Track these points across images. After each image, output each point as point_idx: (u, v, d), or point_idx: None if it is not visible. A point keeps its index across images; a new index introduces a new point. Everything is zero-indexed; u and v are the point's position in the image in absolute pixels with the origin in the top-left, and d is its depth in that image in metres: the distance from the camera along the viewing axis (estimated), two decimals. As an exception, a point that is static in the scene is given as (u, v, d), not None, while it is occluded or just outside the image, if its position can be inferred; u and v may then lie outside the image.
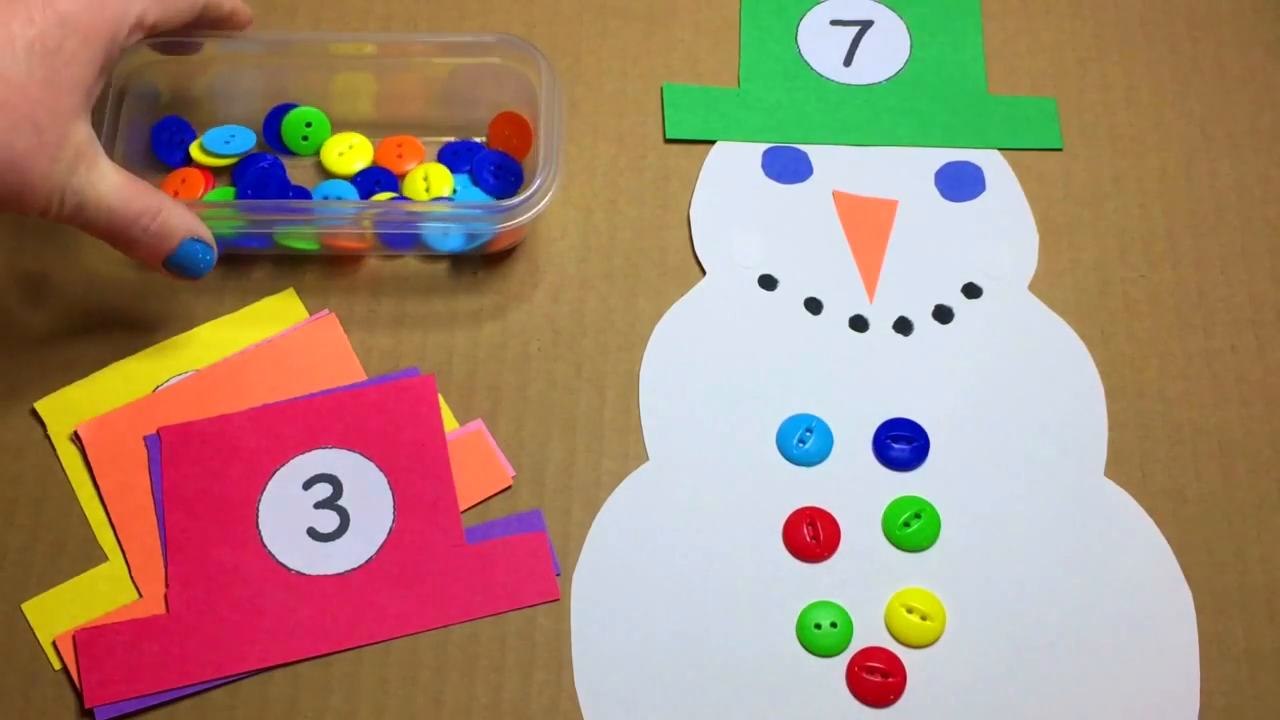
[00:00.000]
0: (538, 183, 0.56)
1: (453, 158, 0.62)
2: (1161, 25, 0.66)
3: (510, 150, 0.61)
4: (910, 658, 0.54)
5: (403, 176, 0.62)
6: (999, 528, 0.56)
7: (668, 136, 0.63)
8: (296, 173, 0.62)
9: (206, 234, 0.55)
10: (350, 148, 0.62)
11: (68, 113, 0.50)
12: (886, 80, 0.65)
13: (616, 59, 0.65)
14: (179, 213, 0.54)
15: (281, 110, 0.62)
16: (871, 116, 0.64)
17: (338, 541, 0.55)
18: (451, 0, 0.66)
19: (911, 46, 0.66)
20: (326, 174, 0.62)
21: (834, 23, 0.66)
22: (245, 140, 0.61)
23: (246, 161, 0.61)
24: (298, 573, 0.54)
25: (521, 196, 0.56)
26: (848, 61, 0.65)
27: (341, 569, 0.55)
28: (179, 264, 0.55)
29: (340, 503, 0.56)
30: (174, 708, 0.52)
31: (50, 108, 0.49)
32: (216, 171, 0.62)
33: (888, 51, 0.65)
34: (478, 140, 0.62)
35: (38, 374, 0.58)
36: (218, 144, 0.61)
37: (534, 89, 0.59)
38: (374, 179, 0.61)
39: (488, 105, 0.62)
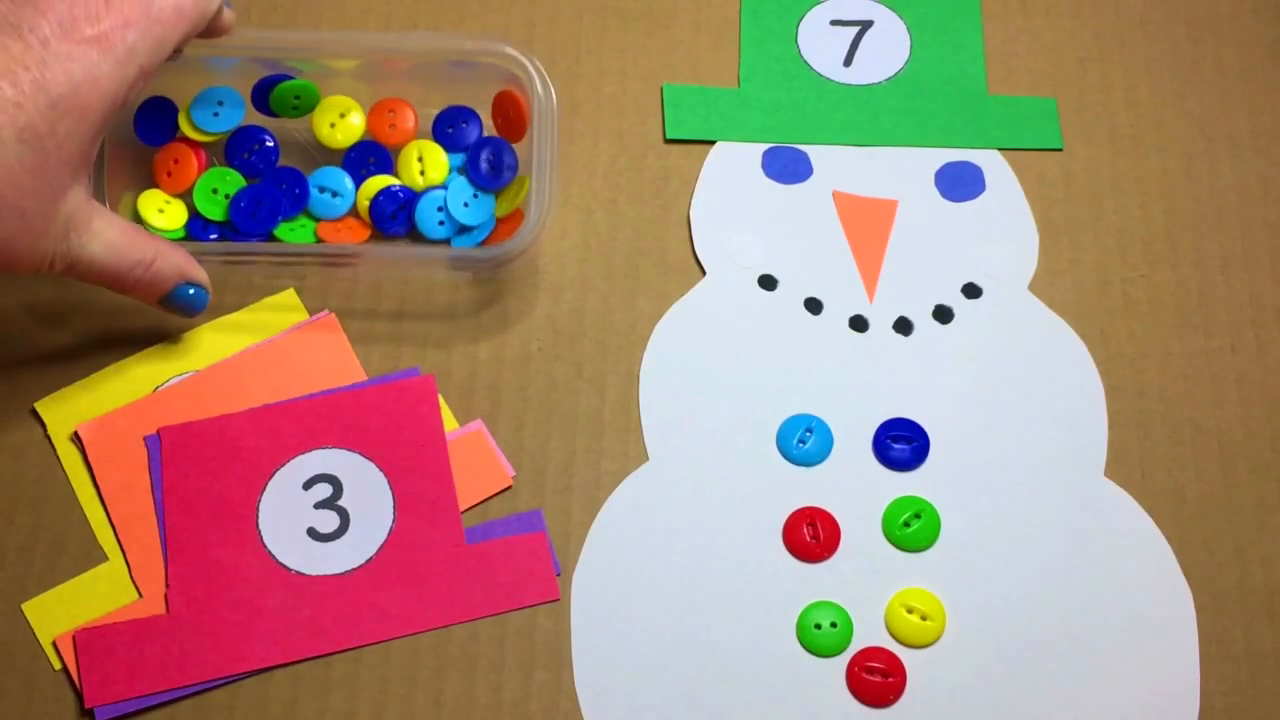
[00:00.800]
0: (528, 228, 0.56)
1: (446, 133, 0.61)
2: (1161, 25, 0.66)
3: (509, 130, 0.61)
4: (910, 658, 0.54)
5: (396, 150, 0.61)
6: (999, 528, 0.56)
7: (668, 137, 0.63)
8: (290, 150, 0.61)
9: (200, 276, 0.56)
10: (341, 117, 0.61)
11: (58, 191, 0.50)
12: (886, 80, 0.65)
13: (616, 59, 0.65)
14: (172, 260, 0.54)
15: (271, 80, 0.61)
16: (871, 116, 0.64)
17: (338, 541, 0.55)
18: (451, 1, 0.66)
19: (911, 46, 0.66)
20: (319, 148, 0.61)
21: (834, 23, 0.66)
22: (234, 111, 0.60)
23: (239, 137, 0.60)
24: (298, 573, 0.54)
25: (510, 242, 0.56)
26: (848, 61, 0.65)
27: (341, 569, 0.55)
28: (172, 306, 0.56)
29: (340, 503, 0.56)
30: (174, 708, 0.52)
31: (37, 193, 0.49)
32: (210, 144, 0.61)
33: (888, 51, 0.65)
34: (470, 107, 0.61)
35: (38, 374, 0.58)
36: (206, 118, 0.60)
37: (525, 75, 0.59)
38: (367, 155, 0.61)
39: (482, 84, 0.61)
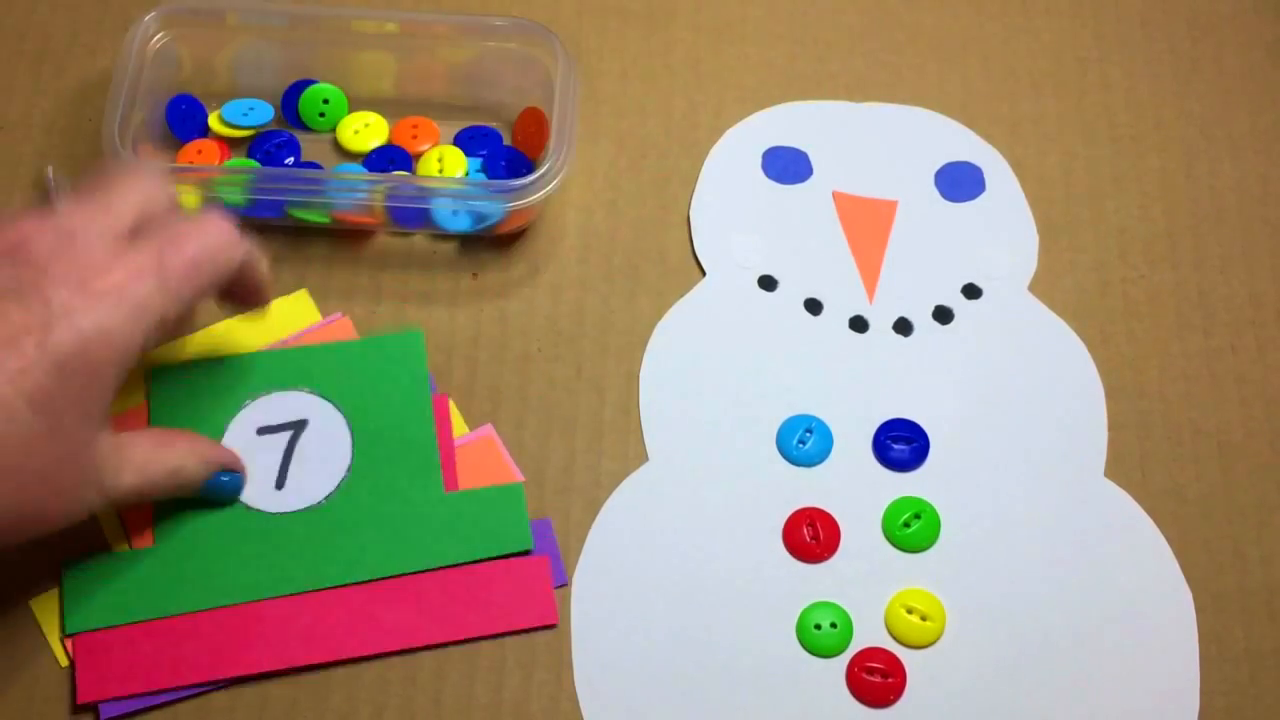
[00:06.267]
0: (548, 165, 0.57)
1: (469, 142, 0.62)
2: (1161, 25, 0.66)
3: (529, 146, 0.62)
4: (910, 658, 0.54)
5: (417, 157, 0.62)
6: (999, 528, 0.56)
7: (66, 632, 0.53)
8: (312, 150, 0.63)
9: (230, 460, 0.54)
10: (366, 126, 0.63)
11: (80, 449, 0.47)
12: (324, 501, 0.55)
13: (616, 59, 0.65)
14: (195, 460, 0.52)
15: (300, 86, 0.63)
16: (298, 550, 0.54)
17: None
18: (454, 3, 0.66)
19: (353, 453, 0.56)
20: (342, 152, 0.63)
21: (260, 431, 0.56)
22: (263, 113, 0.62)
23: (262, 137, 0.62)
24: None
25: (533, 177, 0.57)
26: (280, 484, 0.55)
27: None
28: (207, 497, 0.54)
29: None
30: (175, 708, 0.52)
31: (58, 456, 0.46)
32: (234, 145, 0.63)
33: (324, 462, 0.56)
34: (494, 126, 0.63)
35: (41, 375, 0.58)
36: (236, 115, 0.62)
37: (551, 77, 0.60)
38: (388, 158, 0.62)
39: (505, 91, 0.62)
